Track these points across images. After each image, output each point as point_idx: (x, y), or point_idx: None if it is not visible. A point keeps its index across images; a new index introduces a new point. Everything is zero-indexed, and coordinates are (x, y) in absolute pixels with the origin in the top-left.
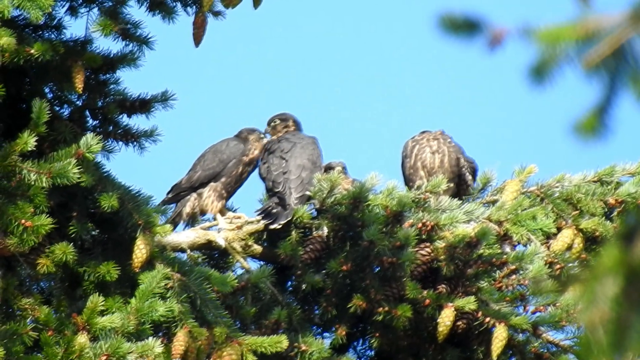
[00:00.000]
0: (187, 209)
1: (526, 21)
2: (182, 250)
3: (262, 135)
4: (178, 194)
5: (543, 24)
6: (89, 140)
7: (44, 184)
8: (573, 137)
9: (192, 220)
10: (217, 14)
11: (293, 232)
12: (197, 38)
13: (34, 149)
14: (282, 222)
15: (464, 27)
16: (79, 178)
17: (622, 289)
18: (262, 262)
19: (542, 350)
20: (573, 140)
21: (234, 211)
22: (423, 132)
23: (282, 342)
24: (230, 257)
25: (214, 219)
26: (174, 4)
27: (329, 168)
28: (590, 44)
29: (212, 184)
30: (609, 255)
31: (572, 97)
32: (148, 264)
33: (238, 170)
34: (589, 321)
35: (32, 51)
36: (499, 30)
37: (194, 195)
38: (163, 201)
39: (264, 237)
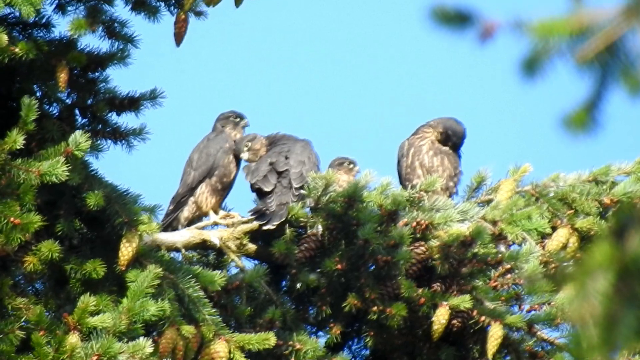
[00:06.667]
0: (185, 214)
1: (518, 14)
2: (177, 250)
3: (237, 120)
4: (179, 202)
5: (536, 17)
6: (78, 137)
7: (33, 182)
8: (563, 131)
9: (191, 224)
10: (199, 13)
11: (287, 231)
12: (179, 37)
13: (23, 147)
14: (276, 223)
15: (456, 19)
16: (67, 176)
17: (612, 284)
18: (256, 261)
19: (536, 348)
20: (563, 134)
21: (228, 211)
22: (417, 132)
23: (269, 339)
24: (225, 256)
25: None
26: (158, 3)
27: (340, 164)
28: (584, 38)
29: (206, 180)
30: (600, 250)
31: (563, 92)
32: (135, 262)
33: (229, 158)
34: (580, 316)
35: (17, 50)
36: (490, 23)
37: (192, 199)
38: (166, 214)
39: (259, 236)
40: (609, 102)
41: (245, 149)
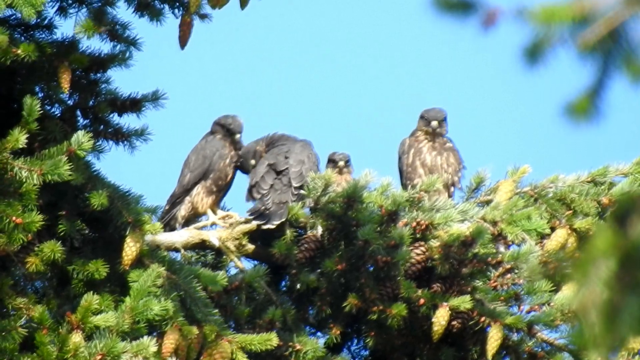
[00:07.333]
0: (182, 212)
1: (521, 1)
2: (176, 250)
3: (230, 128)
4: (174, 202)
5: (538, 3)
6: (80, 137)
7: (35, 181)
8: (565, 120)
9: (188, 224)
10: (203, 16)
11: (287, 232)
12: (183, 40)
13: (25, 146)
14: (277, 223)
15: (459, 6)
16: (70, 175)
17: (614, 272)
18: (256, 262)
19: (536, 349)
20: (565, 123)
21: (227, 210)
22: (413, 134)
23: (271, 339)
24: (225, 256)
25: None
26: (162, 5)
27: (331, 160)
28: (586, 25)
29: (202, 182)
30: (602, 238)
31: (565, 81)
32: (137, 262)
33: (225, 162)
34: (582, 304)
35: (19, 51)
36: (493, 10)
37: (188, 198)
38: (162, 213)
39: (258, 236)
40: (611, 89)
41: (252, 168)
